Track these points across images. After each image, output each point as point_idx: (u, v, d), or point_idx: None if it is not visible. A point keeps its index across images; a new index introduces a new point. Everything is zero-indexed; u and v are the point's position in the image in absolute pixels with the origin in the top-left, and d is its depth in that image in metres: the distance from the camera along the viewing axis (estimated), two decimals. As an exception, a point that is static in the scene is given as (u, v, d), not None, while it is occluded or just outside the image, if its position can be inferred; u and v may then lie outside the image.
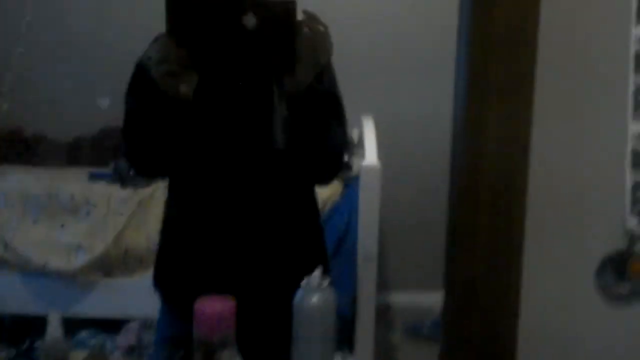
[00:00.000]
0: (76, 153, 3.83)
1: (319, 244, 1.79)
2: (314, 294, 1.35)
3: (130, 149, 1.65)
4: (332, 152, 1.64)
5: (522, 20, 1.15)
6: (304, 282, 1.37)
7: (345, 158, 1.71)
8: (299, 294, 1.36)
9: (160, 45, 1.41)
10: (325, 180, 1.78)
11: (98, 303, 3.18)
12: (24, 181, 3.30)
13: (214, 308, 1.30)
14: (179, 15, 1.35)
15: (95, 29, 4.00)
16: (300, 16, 1.41)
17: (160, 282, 1.75)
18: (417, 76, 3.91)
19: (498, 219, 1.28)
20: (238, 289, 1.42)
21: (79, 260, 3.13)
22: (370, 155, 2.87)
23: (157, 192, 3.20)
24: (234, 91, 1.60)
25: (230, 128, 1.61)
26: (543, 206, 1.45)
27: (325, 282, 1.37)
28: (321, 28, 1.42)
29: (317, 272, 1.37)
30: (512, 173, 1.27)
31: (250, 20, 1.33)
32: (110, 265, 3.18)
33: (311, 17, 1.44)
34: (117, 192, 3.23)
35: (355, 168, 3.13)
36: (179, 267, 1.70)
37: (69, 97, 4.02)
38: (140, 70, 1.52)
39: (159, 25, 1.45)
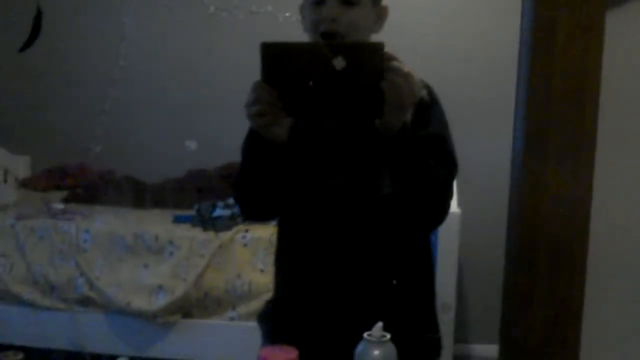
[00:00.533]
0: (163, 194, 3.93)
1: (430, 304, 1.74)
2: (376, 347, 1.32)
3: (237, 193, 1.71)
4: (434, 196, 1.55)
5: (582, 75, 1.09)
6: (365, 334, 1.34)
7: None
8: (360, 347, 1.33)
9: (253, 88, 1.42)
10: (429, 226, 1.71)
11: (176, 344, 3.21)
12: (111, 222, 3.40)
13: (276, 358, 1.32)
14: (273, 61, 1.38)
15: (184, 75, 4.13)
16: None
17: (266, 320, 1.78)
18: (480, 121, 3.85)
19: (556, 285, 1.20)
20: (341, 332, 1.47)
21: (160, 301, 3.17)
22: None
23: (238, 235, 3.23)
24: (328, 134, 1.62)
25: (327, 172, 1.62)
26: (604, 272, 1.36)
27: (387, 337, 1.33)
28: (406, 69, 1.40)
29: (379, 325, 1.34)
30: (572, 236, 1.20)
31: (340, 63, 1.35)
32: (190, 306, 3.21)
33: (395, 59, 1.41)
34: (199, 234, 3.28)
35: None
36: (288, 309, 1.71)
37: (159, 140, 4.16)
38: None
39: (246, 74, 1.52)
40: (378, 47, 1.37)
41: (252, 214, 1.80)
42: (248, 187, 1.63)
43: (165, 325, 3.20)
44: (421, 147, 1.49)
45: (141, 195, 3.90)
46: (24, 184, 4.09)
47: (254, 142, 1.53)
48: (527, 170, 1.21)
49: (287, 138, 1.48)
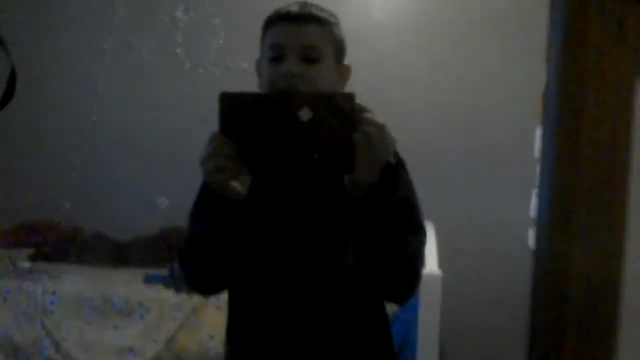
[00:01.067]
0: (134, 252, 3.83)
1: None
2: None
3: (185, 261, 1.54)
4: (405, 266, 1.41)
5: (611, 138, 1.04)
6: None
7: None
8: None
9: (210, 140, 1.30)
10: (399, 299, 1.53)
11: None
12: (79, 283, 3.29)
13: None
14: (232, 112, 1.28)
15: (158, 132, 4.07)
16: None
17: None
18: (477, 181, 3.83)
19: (587, 347, 1.14)
20: None
21: (130, 365, 3.05)
22: (430, 262, 2.76)
23: (212, 298, 3.14)
24: (291, 193, 1.51)
25: (288, 236, 1.49)
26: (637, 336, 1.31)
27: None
28: (380, 121, 1.28)
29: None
30: (602, 320, 1.14)
31: (305, 114, 1.25)
32: (162, 370, 3.10)
33: (367, 110, 1.30)
34: (171, 296, 3.18)
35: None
36: None
37: (129, 197, 4.07)
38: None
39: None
40: (349, 97, 1.27)
41: (201, 285, 1.57)
42: (199, 253, 1.45)
43: (135, 390, 3.07)
44: (390, 212, 1.36)
45: (111, 253, 3.80)
46: (-11, 241, 3.96)
47: (207, 201, 1.39)
48: (553, 250, 1.15)
49: (246, 196, 1.35)
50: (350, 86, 1.49)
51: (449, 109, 3.83)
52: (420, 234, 1.45)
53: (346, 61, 1.57)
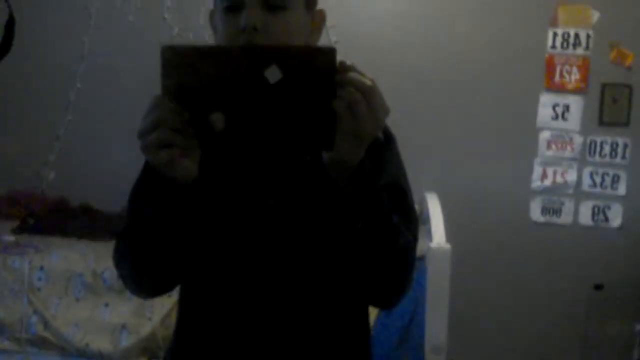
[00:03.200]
0: (121, 224, 3.68)
1: None
2: None
3: (120, 259, 1.23)
4: (396, 266, 1.16)
5: None
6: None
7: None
8: None
9: (152, 106, 1.01)
10: (386, 303, 1.29)
11: (142, 391, 2.97)
12: (68, 258, 3.14)
13: None
14: (179, 71, 1.00)
15: (145, 99, 3.90)
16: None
17: None
18: (483, 154, 3.73)
19: None
20: None
21: (123, 342, 2.94)
22: (438, 236, 2.66)
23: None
24: (254, 172, 1.23)
25: (249, 225, 1.22)
26: None
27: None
28: (368, 83, 1.00)
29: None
30: None
31: (274, 74, 0.98)
32: (156, 348, 2.98)
33: (353, 70, 1.01)
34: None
35: (420, 249, 2.92)
36: None
37: (116, 167, 3.91)
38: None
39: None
40: (329, 53, 0.99)
41: (143, 286, 1.26)
42: (140, 247, 1.15)
43: (129, 369, 2.96)
44: (380, 200, 1.10)
45: (98, 225, 3.65)
46: (-30, 213, 3.79)
47: (149, 183, 1.11)
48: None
49: (196, 175, 1.06)
50: (340, 46, 1.26)
51: (451, 75, 3.71)
52: (414, 226, 1.21)
53: (320, 6, 1.27)
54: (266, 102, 1.00)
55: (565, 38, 3.59)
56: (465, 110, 3.72)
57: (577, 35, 3.58)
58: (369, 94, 0.99)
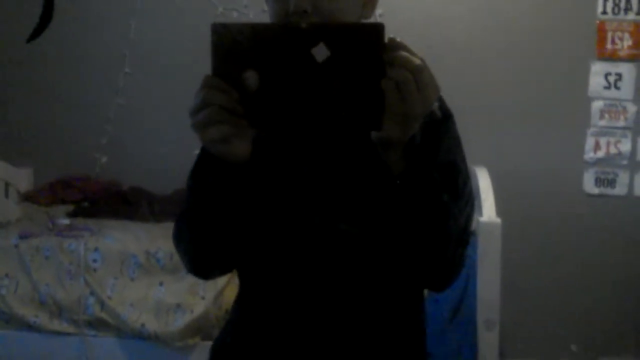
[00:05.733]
0: (173, 206, 3.73)
1: None
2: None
3: (180, 239, 1.26)
4: (447, 248, 1.15)
5: None
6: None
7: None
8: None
9: (202, 86, 1.02)
10: (438, 286, 1.27)
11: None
12: (122, 239, 3.20)
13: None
14: (229, 51, 1.00)
15: (194, 78, 3.93)
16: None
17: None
18: (532, 127, 3.67)
19: None
20: None
21: (178, 321, 2.99)
22: (488, 210, 2.63)
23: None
24: (305, 152, 1.24)
25: (303, 204, 1.22)
26: None
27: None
28: (417, 62, 0.99)
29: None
30: None
31: (321, 52, 0.98)
32: (210, 326, 3.02)
33: (402, 47, 0.99)
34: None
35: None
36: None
37: (167, 149, 3.95)
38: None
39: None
40: (376, 30, 0.98)
41: (203, 267, 1.29)
42: (198, 229, 1.19)
43: (183, 348, 3.00)
44: (432, 180, 1.10)
45: (151, 207, 3.70)
46: (27, 198, 3.89)
47: (204, 164, 1.13)
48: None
49: (249, 156, 1.08)
50: (385, 19, 1.26)
51: (499, 45, 3.65)
52: (467, 205, 1.18)
53: None
54: (314, 81, 1.00)
55: (616, 3, 3.49)
56: (514, 82, 3.66)
57: (628, 0, 3.47)
58: (418, 74, 0.98)
